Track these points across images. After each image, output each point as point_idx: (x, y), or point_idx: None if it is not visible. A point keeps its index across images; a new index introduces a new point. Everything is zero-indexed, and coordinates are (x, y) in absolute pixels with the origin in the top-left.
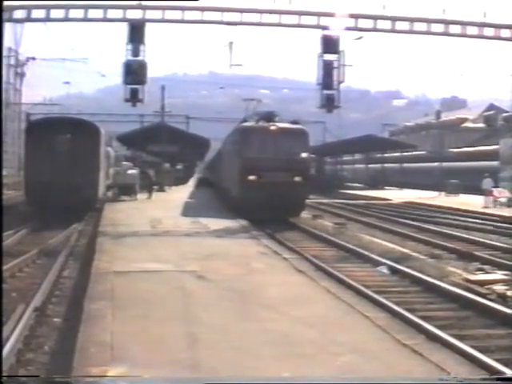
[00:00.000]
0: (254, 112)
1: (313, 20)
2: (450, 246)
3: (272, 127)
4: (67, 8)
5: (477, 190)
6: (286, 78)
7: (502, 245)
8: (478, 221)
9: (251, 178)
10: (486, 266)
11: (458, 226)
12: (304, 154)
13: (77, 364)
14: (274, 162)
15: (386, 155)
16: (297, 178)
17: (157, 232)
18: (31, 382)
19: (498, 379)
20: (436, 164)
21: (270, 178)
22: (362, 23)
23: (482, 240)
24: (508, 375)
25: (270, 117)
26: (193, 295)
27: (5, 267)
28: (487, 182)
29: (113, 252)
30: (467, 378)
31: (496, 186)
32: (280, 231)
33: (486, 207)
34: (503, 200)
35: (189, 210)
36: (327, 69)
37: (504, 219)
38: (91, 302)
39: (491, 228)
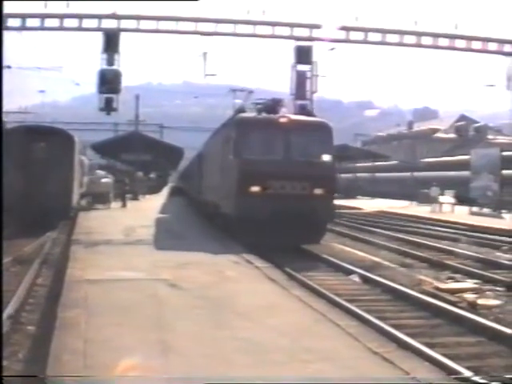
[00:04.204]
0: (250, 101)
1: (286, 31)
2: (421, 254)
3: (282, 119)
4: (43, 17)
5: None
6: (259, 88)
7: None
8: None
9: (253, 189)
10: (456, 275)
11: (425, 234)
12: (327, 157)
13: (50, 372)
14: (286, 168)
15: (359, 165)
16: (318, 191)
17: (130, 240)
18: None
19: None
20: (408, 174)
21: (279, 189)
22: (335, 34)
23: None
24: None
25: (275, 106)
26: (166, 303)
27: None
28: (434, 190)
29: (86, 260)
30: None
31: (442, 194)
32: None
33: (433, 212)
34: (447, 206)
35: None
36: (300, 79)
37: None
38: (65, 310)
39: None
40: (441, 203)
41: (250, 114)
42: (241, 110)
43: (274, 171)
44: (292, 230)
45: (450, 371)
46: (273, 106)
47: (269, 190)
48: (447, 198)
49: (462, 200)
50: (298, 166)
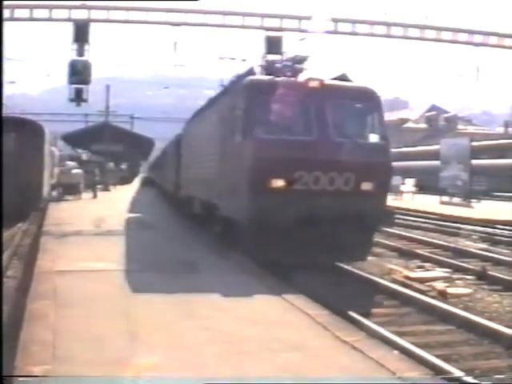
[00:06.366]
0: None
1: (256, 21)
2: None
3: (313, 83)
4: (12, 8)
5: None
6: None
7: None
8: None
9: (274, 184)
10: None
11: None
12: (376, 137)
13: (19, 362)
14: (322, 152)
15: None
16: (366, 186)
17: (100, 231)
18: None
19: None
20: None
21: (312, 184)
22: (305, 25)
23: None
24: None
25: (298, 68)
26: (135, 294)
27: None
28: (397, 179)
29: (56, 251)
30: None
31: (403, 183)
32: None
33: (395, 199)
34: (408, 194)
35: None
36: None
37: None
38: (34, 302)
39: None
40: (401, 192)
41: (264, 77)
42: (250, 71)
43: (304, 158)
44: (328, 242)
45: (419, 360)
46: (296, 67)
47: (297, 184)
48: (407, 187)
49: (429, 189)
50: (339, 149)
